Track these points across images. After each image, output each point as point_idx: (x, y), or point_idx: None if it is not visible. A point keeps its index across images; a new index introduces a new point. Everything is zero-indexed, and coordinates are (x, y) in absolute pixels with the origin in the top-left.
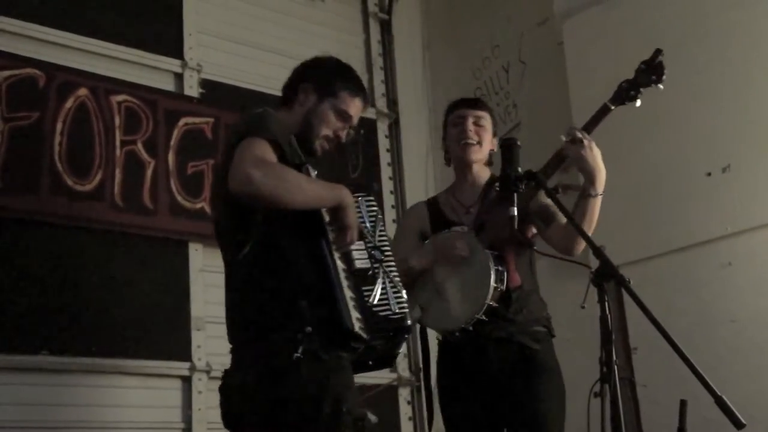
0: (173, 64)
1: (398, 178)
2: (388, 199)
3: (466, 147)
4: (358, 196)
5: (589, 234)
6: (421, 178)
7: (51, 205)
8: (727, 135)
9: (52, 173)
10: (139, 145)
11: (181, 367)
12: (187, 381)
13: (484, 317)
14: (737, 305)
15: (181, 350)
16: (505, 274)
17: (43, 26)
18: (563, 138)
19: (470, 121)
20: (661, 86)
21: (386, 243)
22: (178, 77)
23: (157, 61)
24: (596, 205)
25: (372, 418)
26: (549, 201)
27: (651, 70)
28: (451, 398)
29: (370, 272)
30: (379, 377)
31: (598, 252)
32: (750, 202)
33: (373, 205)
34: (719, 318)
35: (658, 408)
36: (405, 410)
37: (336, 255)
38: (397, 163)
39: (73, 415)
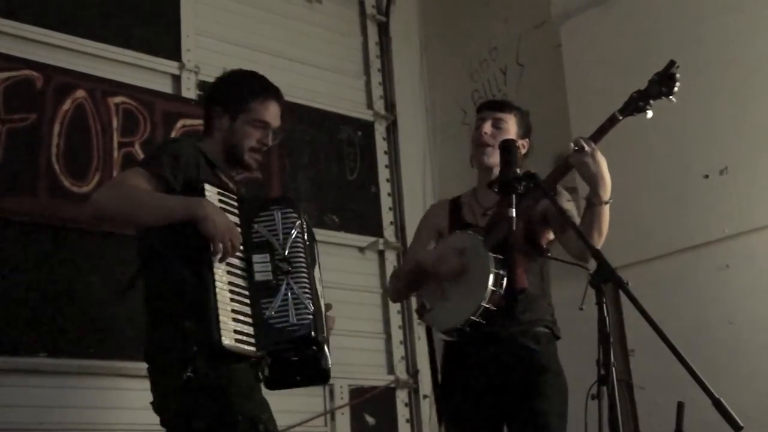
0: (171, 66)
1: (396, 180)
2: (386, 202)
3: (479, 150)
4: (275, 209)
5: (602, 241)
6: (419, 180)
7: (49, 207)
8: (725, 137)
9: (49, 175)
10: (137, 147)
11: None
12: None
13: (480, 319)
14: (735, 307)
15: None
16: (505, 278)
17: (40, 28)
18: (571, 145)
19: (488, 123)
20: (673, 99)
21: (299, 253)
22: (176, 79)
23: (154, 63)
24: (603, 213)
25: (369, 420)
26: (567, 206)
27: (663, 82)
28: (452, 397)
29: (273, 282)
30: (377, 379)
31: (596, 254)
32: (747, 205)
33: (289, 216)
34: (717, 320)
35: (655, 410)
36: (402, 412)
37: (220, 268)
38: (394, 166)
39: (71, 417)
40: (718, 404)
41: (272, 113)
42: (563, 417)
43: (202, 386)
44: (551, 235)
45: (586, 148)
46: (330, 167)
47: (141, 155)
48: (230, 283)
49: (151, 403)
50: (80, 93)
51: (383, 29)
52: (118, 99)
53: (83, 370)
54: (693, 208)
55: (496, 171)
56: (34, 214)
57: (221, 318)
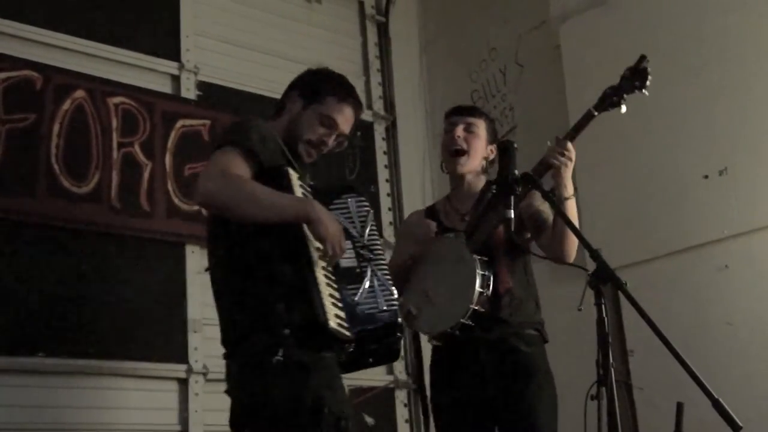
0: (170, 66)
1: (395, 180)
2: (385, 202)
3: (453, 157)
4: (347, 197)
5: (573, 242)
6: (418, 180)
7: (48, 207)
8: (725, 138)
9: (49, 175)
10: (136, 147)
11: (177, 370)
12: (183, 383)
13: (469, 321)
14: (734, 308)
15: (178, 352)
16: (492, 278)
17: (40, 28)
18: (549, 144)
19: (460, 128)
20: (645, 92)
21: (376, 241)
22: (176, 79)
23: (154, 64)
24: (573, 204)
25: (368, 420)
26: (541, 208)
27: (635, 76)
28: (442, 399)
29: (358, 270)
30: (377, 380)
31: (594, 255)
32: (747, 205)
33: (363, 205)
34: (716, 321)
35: (654, 410)
36: (402, 413)
37: (313, 253)
38: (393, 166)
39: (69, 417)
40: (717, 404)
41: (345, 116)
42: (554, 419)
43: (291, 372)
44: (528, 234)
45: (569, 153)
46: (329, 167)
47: (140, 155)
48: (323, 268)
49: (226, 391)
50: (80, 93)
51: (383, 30)
52: (118, 99)
53: (82, 370)
54: (692, 209)
55: (470, 177)
56: (33, 214)
57: (324, 301)
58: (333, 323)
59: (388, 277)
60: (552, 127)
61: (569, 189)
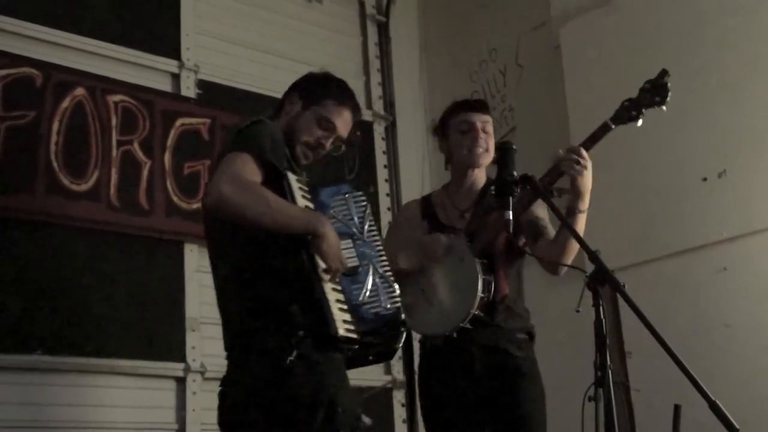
0: (170, 64)
1: (394, 180)
2: (384, 202)
3: (479, 156)
4: (345, 193)
5: (574, 251)
6: (417, 180)
7: (47, 205)
8: (724, 140)
9: (48, 173)
10: (136, 146)
11: (175, 368)
12: (181, 382)
13: (468, 325)
14: (732, 310)
15: (176, 351)
16: (493, 283)
17: (40, 25)
18: (561, 152)
19: (480, 127)
20: (664, 108)
21: (376, 238)
22: (175, 78)
23: (154, 62)
24: (583, 220)
25: (366, 420)
26: (540, 215)
27: (655, 91)
28: (433, 402)
29: (360, 269)
30: (374, 380)
31: (593, 256)
32: (746, 207)
33: (362, 201)
34: (714, 323)
35: (652, 412)
36: (399, 413)
37: (318, 258)
38: (393, 166)
39: (67, 415)
40: (714, 407)
41: (344, 119)
42: (544, 421)
43: (304, 373)
44: (522, 240)
45: (584, 162)
46: (328, 167)
47: (140, 153)
48: (324, 271)
49: (226, 392)
50: (80, 91)
51: (383, 29)
52: (118, 97)
53: (80, 368)
54: (691, 211)
55: (477, 172)
56: (32, 212)
57: (332, 309)
58: (342, 331)
59: (390, 272)
60: (552, 129)
61: (585, 203)
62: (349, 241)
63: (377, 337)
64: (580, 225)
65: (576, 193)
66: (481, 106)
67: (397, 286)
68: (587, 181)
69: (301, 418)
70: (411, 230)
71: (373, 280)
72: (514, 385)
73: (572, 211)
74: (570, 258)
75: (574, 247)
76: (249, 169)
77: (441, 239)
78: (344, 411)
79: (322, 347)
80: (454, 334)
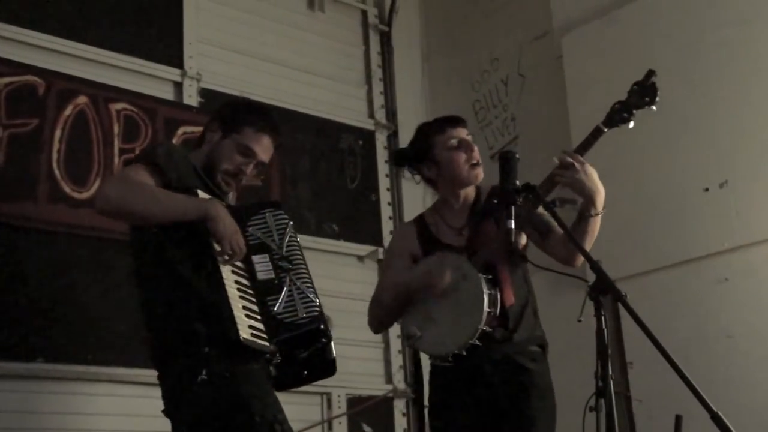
0: (173, 73)
1: (396, 189)
2: (386, 211)
3: (479, 172)
4: (265, 212)
5: (588, 249)
6: (419, 189)
7: (49, 212)
8: (725, 151)
9: (50, 180)
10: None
11: None
12: None
13: (477, 342)
14: (733, 321)
15: None
16: (498, 297)
17: (43, 34)
18: (555, 160)
19: (470, 141)
20: (654, 108)
21: (296, 252)
22: (178, 86)
23: (156, 70)
24: (597, 223)
25: (367, 429)
26: (544, 212)
27: (643, 92)
28: (443, 419)
29: (276, 281)
30: (376, 389)
31: (595, 266)
32: (747, 218)
33: (281, 218)
34: (715, 333)
35: (653, 423)
36: (400, 422)
37: (225, 268)
38: (395, 175)
39: (67, 423)
40: (715, 417)
41: (263, 146)
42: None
43: (217, 388)
44: (524, 239)
45: (576, 165)
46: (330, 176)
47: None
48: (236, 282)
49: (163, 411)
50: (82, 99)
51: (385, 39)
52: (120, 105)
53: (81, 376)
54: (693, 221)
55: (468, 189)
56: (34, 219)
57: (235, 314)
58: (245, 334)
59: (309, 284)
60: (553, 138)
61: (597, 206)
62: (266, 255)
63: (297, 345)
64: (594, 228)
65: (583, 198)
66: (462, 121)
67: (316, 298)
68: (590, 184)
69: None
70: (409, 246)
71: (290, 291)
72: (526, 398)
73: (582, 216)
74: (589, 244)
75: (591, 240)
76: (138, 175)
77: (446, 275)
78: (262, 419)
79: (235, 360)
80: (464, 352)
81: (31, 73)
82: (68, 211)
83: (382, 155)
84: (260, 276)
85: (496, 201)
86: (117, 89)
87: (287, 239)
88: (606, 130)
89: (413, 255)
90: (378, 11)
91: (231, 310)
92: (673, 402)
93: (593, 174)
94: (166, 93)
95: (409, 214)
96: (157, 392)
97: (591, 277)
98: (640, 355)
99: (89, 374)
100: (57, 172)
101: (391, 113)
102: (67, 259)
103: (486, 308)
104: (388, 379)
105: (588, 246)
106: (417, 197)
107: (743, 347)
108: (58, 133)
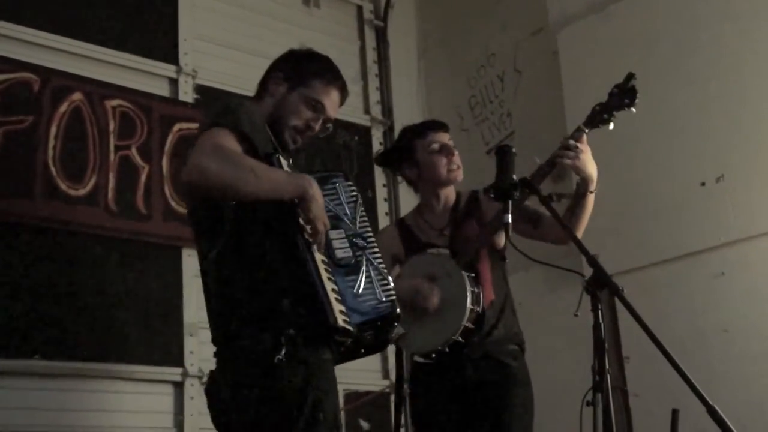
0: (168, 69)
1: (392, 185)
2: (382, 207)
3: (458, 174)
4: (335, 181)
5: (583, 227)
6: None
7: (45, 210)
8: (721, 145)
9: (45, 177)
10: (134, 150)
11: (173, 373)
12: (179, 386)
13: (460, 338)
14: (730, 315)
15: (174, 356)
16: (481, 294)
17: (38, 30)
18: (536, 160)
19: (452, 145)
20: (633, 110)
21: (368, 228)
22: (173, 83)
23: (152, 67)
24: (591, 202)
25: (364, 425)
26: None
27: (623, 94)
28: (425, 415)
29: (353, 261)
30: (372, 384)
31: (591, 260)
32: (744, 212)
33: (351, 189)
34: (712, 327)
35: (650, 417)
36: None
37: (314, 247)
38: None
39: (65, 419)
40: (712, 411)
41: (332, 100)
42: (531, 427)
43: (294, 370)
44: (502, 240)
45: (580, 148)
46: (326, 170)
47: (138, 158)
48: (323, 262)
49: (212, 390)
50: (77, 96)
51: (381, 34)
52: (115, 102)
53: (79, 372)
54: (689, 216)
55: (448, 190)
56: (30, 216)
57: (331, 297)
58: (340, 321)
59: (383, 264)
60: (549, 133)
61: (593, 184)
62: (341, 231)
63: (372, 330)
64: (590, 206)
65: (582, 178)
66: (444, 125)
67: (391, 279)
68: (588, 164)
69: (283, 420)
70: (392, 247)
71: (368, 271)
72: (507, 394)
73: (582, 194)
74: (583, 226)
75: (586, 219)
76: (228, 142)
77: (435, 295)
78: (325, 418)
79: (313, 345)
80: (446, 349)
81: (26, 70)
82: (64, 207)
83: (378, 151)
84: (339, 254)
85: (493, 195)
86: (112, 86)
87: (359, 214)
88: (587, 130)
89: (395, 256)
90: (373, 7)
91: (327, 295)
92: (669, 396)
93: (589, 153)
94: (162, 89)
95: (405, 210)
96: (155, 388)
97: (588, 271)
98: (637, 349)
99: (86, 370)
100: (53, 169)
101: (387, 109)
102: (64, 256)
103: (469, 305)
104: (385, 374)
105: (583, 227)
106: (412, 194)
107: (739, 341)
108: (53, 130)
